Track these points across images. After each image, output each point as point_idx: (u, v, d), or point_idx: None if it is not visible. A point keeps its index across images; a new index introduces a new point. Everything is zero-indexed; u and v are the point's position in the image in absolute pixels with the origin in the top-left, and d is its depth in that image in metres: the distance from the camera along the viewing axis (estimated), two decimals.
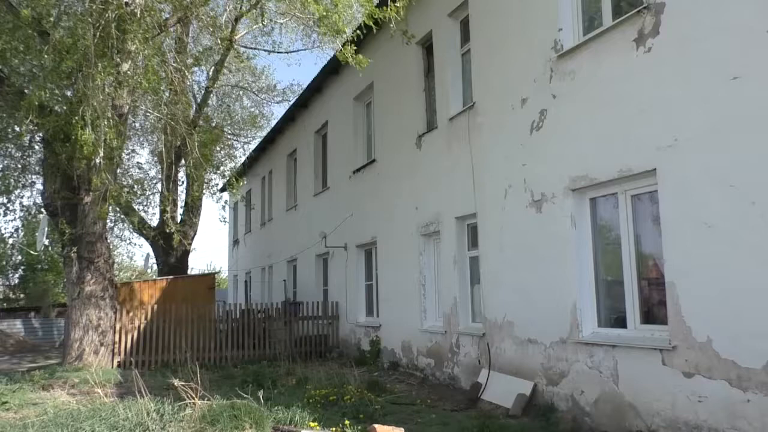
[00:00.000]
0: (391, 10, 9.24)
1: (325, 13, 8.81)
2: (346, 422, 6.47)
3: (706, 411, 5.17)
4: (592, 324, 6.75)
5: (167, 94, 12.18)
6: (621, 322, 6.44)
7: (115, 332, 12.51)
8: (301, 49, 20.56)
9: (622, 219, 6.43)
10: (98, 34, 8.74)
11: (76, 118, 8.91)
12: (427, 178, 10.53)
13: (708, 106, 5.29)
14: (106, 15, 8.72)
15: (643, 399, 5.82)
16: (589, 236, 6.91)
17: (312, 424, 6.41)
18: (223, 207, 15.69)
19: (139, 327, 12.85)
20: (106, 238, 12.85)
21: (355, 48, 9.81)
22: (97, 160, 9.78)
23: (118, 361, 12.49)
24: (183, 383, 6.54)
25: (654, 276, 6.13)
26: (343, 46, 9.59)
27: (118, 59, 9.47)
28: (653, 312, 6.13)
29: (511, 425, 6.70)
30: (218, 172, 17.80)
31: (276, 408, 6.96)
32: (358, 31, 10.02)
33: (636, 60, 6.06)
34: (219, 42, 13.27)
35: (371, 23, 9.54)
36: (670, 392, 5.52)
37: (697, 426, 5.24)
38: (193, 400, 6.31)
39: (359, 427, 6.44)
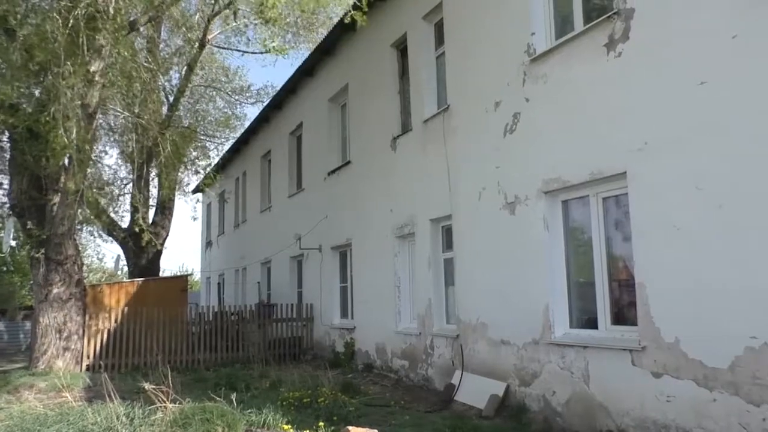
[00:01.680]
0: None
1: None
2: (320, 424, 6.44)
3: (674, 410, 5.27)
4: (564, 325, 6.82)
5: (138, 93, 12.01)
6: (592, 323, 6.53)
7: (83, 335, 12.28)
8: (276, 50, 20.43)
9: (594, 221, 6.52)
10: (67, 31, 8.58)
11: (46, 117, 8.73)
12: (402, 180, 10.55)
13: (676, 110, 5.40)
14: (75, 12, 8.56)
15: (614, 399, 5.90)
16: (561, 238, 6.99)
17: (285, 426, 6.36)
18: (197, 201, 15.43)
19: (108, 330, 12.63)
20: (74, 239, 12.61)
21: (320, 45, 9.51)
22: (67, 161, 9.59)
23: (86, 365, 12.26)
24: (154, 387, 6.44)
25: (624, 277, 6.23)
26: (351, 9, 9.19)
27: (88, 57, 9.30)
28: (623, 313, 6.23)
29: (484, 426, 6.74)
30: (190, 170, 17.59)
31: (249, 411, 6.89)
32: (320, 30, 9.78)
33: (607, 64, 6.16)
34: (191, 42, 13.13)
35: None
36: (639, 392, 5.61)
37: (665, 425, 5.34)
38: (164, 404, 6.22)
39: (333, 429, 6.41)
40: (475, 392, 7.81)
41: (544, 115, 7.08)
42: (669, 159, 5.45)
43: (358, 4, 8.71)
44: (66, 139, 8.76)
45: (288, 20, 9.22)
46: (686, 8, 5.37)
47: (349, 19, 9.08)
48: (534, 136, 7.24)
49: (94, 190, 18.12)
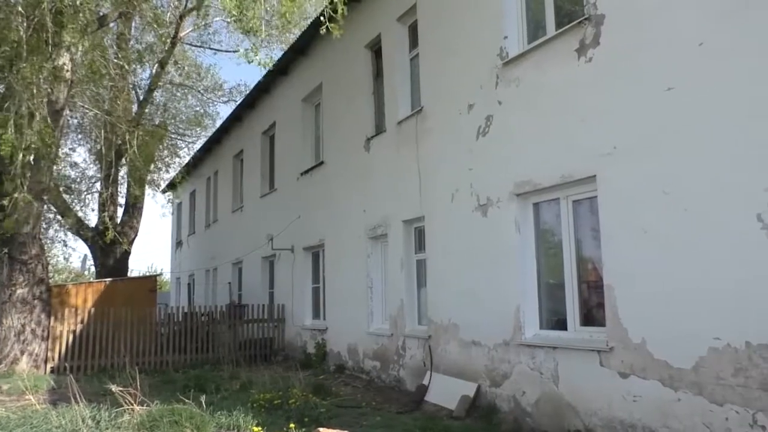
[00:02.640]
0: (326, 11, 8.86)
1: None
2: (291, 426, 6.41)
3: (640, 410, 5.36)
4: (534, 326, 6.90)
5: (108, 90, 11.79)
6: (562, 324, 6.61)
7: (48, 336, 12.02)
8: (249, 49, 20.25)
9: (564, 224, 6.61)
10: (32, 26, 8.37)
11: (5, 114, 8.51)
12: (376, 182, 10.56)
13: (644, 115, 5.50)
14: (42, 6, 8.37)
15: (582, 399, 5.99)
16: (532, 240, 7.06)
17: (255, 428, 6.31)
18: (168, 201, 15.21)
19: (74, 331, 12.38)
20: (39, 239, 12.34)
21: (294, 46, 9.40)
22: (18, 161, 9.30)
23: (51, 367, 12.01)
24: (121, 388, 6.34)
25: (593, 279, 6.32)
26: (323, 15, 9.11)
27: (54, 54, 9.09)
28: (592, 314, 6.32)
29: (454, 426, 6.78)
30: (161, 169, 17.34)
31: (219, 413, 6.83)
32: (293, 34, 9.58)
33: (578, 69, 6.25)
34: (162, 39, 12.93)
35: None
36: (606, 392, 5.70)
37: (632, 425, 5.43)
38: (131, 406, 6.12)
39: (304, 431, 6.38)
40: (447, 393, 7.85)
41: (517, 118, 7.15)
42: (637, 163, 5.55)
43: (333, 16, 8.64)
44: (16, 140, 8.49)
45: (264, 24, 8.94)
46: (655, 15, 5.47)
47: (324, 30, 9.05)
48: (506, 138, 7.31)
49: (61, 188, 17.77)
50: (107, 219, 14.66)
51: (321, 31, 8.74)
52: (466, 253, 7.94)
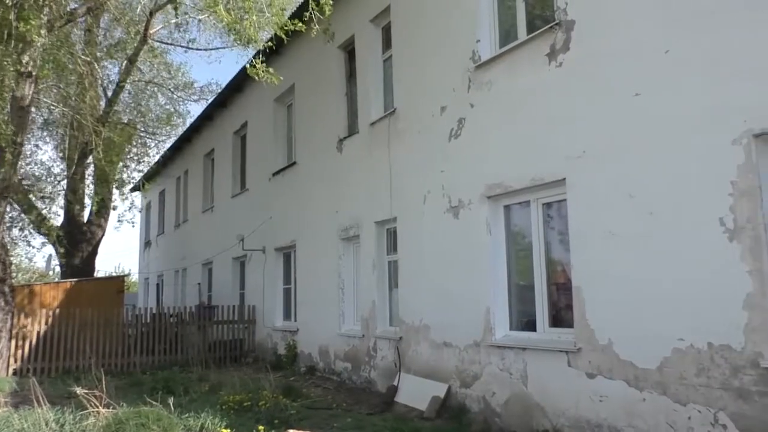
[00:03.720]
0: (312, 13, 8.93)
1: (235, 24, 8.48)
2: (261, 428, 6.34)
3: (607, 410, 5.46)
4: (504, 327, 6.96)
5: (74, 86, 11.55)
6: (531, 326, 6.69)
7: (11, 338, 11.71)
8: (221, 47, 19.93)
9: (534, 226, 6.69)
10: None
11: None
12: (348, 183, 10.54)
13: (612, 120, 5.60)
14: (6, 1, 8.16)
15: (550, 399, 6.07)
16: (503, 242, 7.13)
17: (224, 430, 6.23)
18: (130, 208, 14.95)
19: (38, 332, 12.10)
20: (2, 238, 12.02)
21: (271, 46, 9.41)
22: None
23: (14, 369, 11.71)
24: (86, 391, 6.22)
25: (562, 281, 6.41)
26: (252, 60, 9.12)
27: (18, 48, 8.87)
28: (561, 315, 6.41)
29: (425, 427, 6.81)
30: (129, 168, 17.04)
31: (187, 415, 6.74)
32: (270, 43, 9.54)
33: (548, 74, 6.33)
34: (132, 35, 12.71)
35: (283, 35, 9.19)
36: (574, 392, 5.78)
37: (598, 425, 5.52)
38: (96, 409, 6.00)
39: None
40: (417, 394, 7.88)
41: (489, 121, 7.22)
42: (605, 167, 5.64)
43: (321, 18, 8.71)
44: None
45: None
46: (623, 22, 5.58)
47: (324, 34, 9.18)
48: (478, 141, 7.37)
49: (26, 186, 17.36)
50: (73, 218, 14.34)
51: (313, 34, 8.81)
52: (438, 255, 7.98)
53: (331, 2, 8.85)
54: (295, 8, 11.36)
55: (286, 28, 9.02)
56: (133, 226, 15.33)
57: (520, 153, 6.67)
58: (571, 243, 5.98)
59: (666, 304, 5.00)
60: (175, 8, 10.05)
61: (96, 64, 12.54)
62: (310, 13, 8.80)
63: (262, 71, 9.19)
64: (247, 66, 9.54)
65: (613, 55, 5.63)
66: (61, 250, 16.72)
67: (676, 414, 4.88)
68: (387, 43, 9.92)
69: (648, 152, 5.26)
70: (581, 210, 5.90)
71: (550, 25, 6.31)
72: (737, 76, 4.59)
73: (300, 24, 9.02)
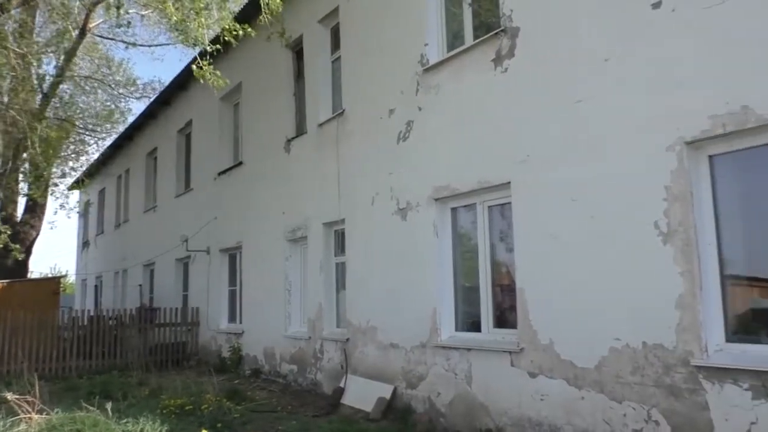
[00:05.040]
0: (266, 12, 8.76)
1: (182, 23, 8.27)
2: None
3: (547, 408, 5.60)
4: (450, 328, 7.05)
5: (7, 80, 11.04)
6: (476, 327, 6.80)
7: None
8: (165, 44, 19.46)
9: (480, 228, 6.80)
10: None
11: None
12: (296, 183, 10.46)
13: (555, 125, 5.76)
14: None
15: (493, 399, 6.18)
16: (449, 244, 7.22)
17: None
18: (60, 207, 14.41)
19: None
20: None
21: (218, 47, 9.27)
22: None
23: None
24: (18, 396, 5.96)
25: (507, 283, 6.54)
26: (199, 62, 8.92)
27: None
28: (505, 316, 6.54)
29: (370, 429, 6.83)
30: (66, 166, 16.42)
31: (125, 421, 6.53)
32: (218, 45, 9.27)
33: (494, 78, 6.46)
34: (71, 28, 12.24)
35: (231, 38, 9.01)
36: (517, 392, 5.91)
37: (539, 423, 5.66)
38: (28, 415, 5.77)
39: None
40: (363, 395, 7.88)
41: (436, 124, 7.30)
42: (548, 171, 5.79)
43: (275, 21, 8.60)
44: None
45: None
46: (566, 30, 5.74)
47: (280, 38, 9.05)
48: (426, 144, 7.44)
49: None
50: (6, 218, 13.71)
51: (271, 38, 8.67)
52: (386, 257, 8.01)
53: (279, 1, 8.75)
54: (242, 5, 11.22)
55: (235, 32, 8.84)
56: (69, 218, 14.79)
57: (467, 156, 6.77)
58: (516, 245, 6.11)
59: (604, 305, 5.18)
60: (118, 7, 9.72)
61: (30, 57, 12.03)
62: (263, 15, 8.68)
63: (209, 74, 8.99)
64: (194, 68, 9.32)
65: (557, 62, 5.79)
66: None
67: (612, 411, 5.05)
68: (336, 44, 9.90)
69: (589, 157, 5.42)
70: (525, 213, 6.03)
71: (495, 31, 6.44)
72: (671, 84, 4.80)
73: (249, 29, 8.87)
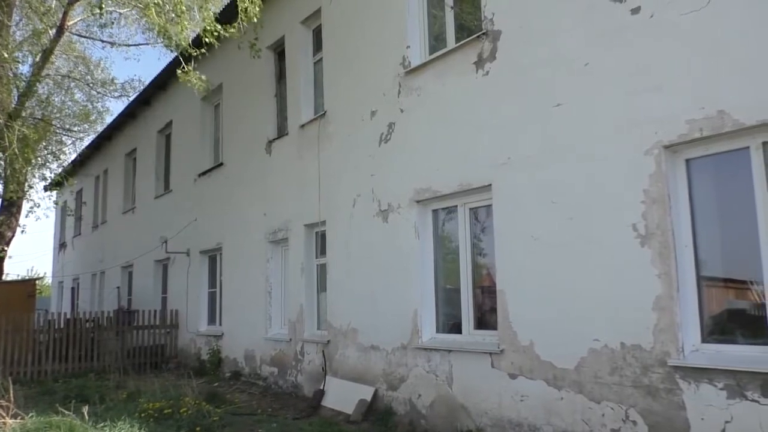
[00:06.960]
0: (242, 18, 8.70)
1: (165, 28, 8.21)
2: None
3: (527, 409, 5.63)
4: (431, 330, 7.06)
5: None
6: (457, 328, 6.82)
7: None
8: (143, 44, 19.31)
9: (461, 230, 6.83)
10: None
11: None
12: (277, 185, 10.42)
13: (536, 128, 5.81)
14: None
15: (474, 400, 6.20)
16: (431, 246, 7.24)
17: None
18: (33, 208, 14.24)
19: None
20: None
21: (203, 51, 9.21)
22: None
23: None
24: None
25: (487, 284, 6.58)
26: (182, 63, 8.88)
27: None
28: (486, 318, 6.57)
29: (350, 431, 6.81)
30: (43, 166, 16.15)
31: (102, 424, 6.44)
32: (203, 49, 9.25)
33: (475, 81, 6.50)
34: (48, 27, 12.07)
35: (213, 39, 8.91)
36: (497, 392, 5.94)
37: (519, 423, 5.69)
38: (2, 419, 5.66)
39: None
40: (344, 398, 7.86)
41: (418, 126, 7.32)
42: (529, 173, 5.84)
43: (251, 35, 8.55)
44: None
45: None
46: (546, 35, 5.80)
47: (250, 49, 9.00)
48: (408, 146, 7.46)
49: None
50: None
51: (246, 48, 8.62)
52: (367, 258, 8.01)
53: (259, 7, 8.71)
54: (222, 7, 11.15)
55: (216, 33, 8.78)
56: (46, 217, 14.56)
57: (449, 158, 6.80)
58: (496, 247, 6.15)
59: (583, 306, 5.23)
60: (100, 7, 9.61)
61: (7, 56, 11.84)
62: (239, 20, 8.64)
63: (195, 78, 8.94)
64: (179, 72, 9.25)
65: (537, 66, 5.84)
66: None
67: (591, 412, 5.10)
68: (318, 46, 9.88)
69: (569, 160, 5.48)
70: (506, 215, 6.07)
71: (477, 35, 6.48)
72: (649, 89, 4.87)
73: (232, 29, 8.82)
